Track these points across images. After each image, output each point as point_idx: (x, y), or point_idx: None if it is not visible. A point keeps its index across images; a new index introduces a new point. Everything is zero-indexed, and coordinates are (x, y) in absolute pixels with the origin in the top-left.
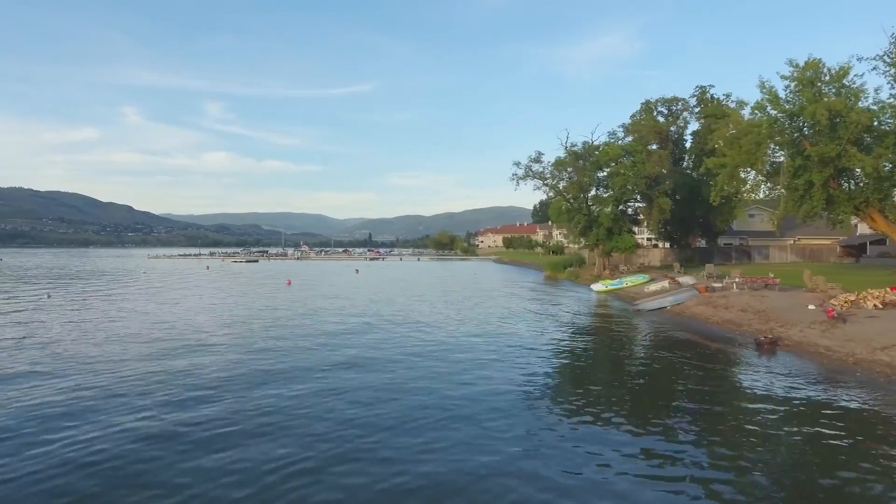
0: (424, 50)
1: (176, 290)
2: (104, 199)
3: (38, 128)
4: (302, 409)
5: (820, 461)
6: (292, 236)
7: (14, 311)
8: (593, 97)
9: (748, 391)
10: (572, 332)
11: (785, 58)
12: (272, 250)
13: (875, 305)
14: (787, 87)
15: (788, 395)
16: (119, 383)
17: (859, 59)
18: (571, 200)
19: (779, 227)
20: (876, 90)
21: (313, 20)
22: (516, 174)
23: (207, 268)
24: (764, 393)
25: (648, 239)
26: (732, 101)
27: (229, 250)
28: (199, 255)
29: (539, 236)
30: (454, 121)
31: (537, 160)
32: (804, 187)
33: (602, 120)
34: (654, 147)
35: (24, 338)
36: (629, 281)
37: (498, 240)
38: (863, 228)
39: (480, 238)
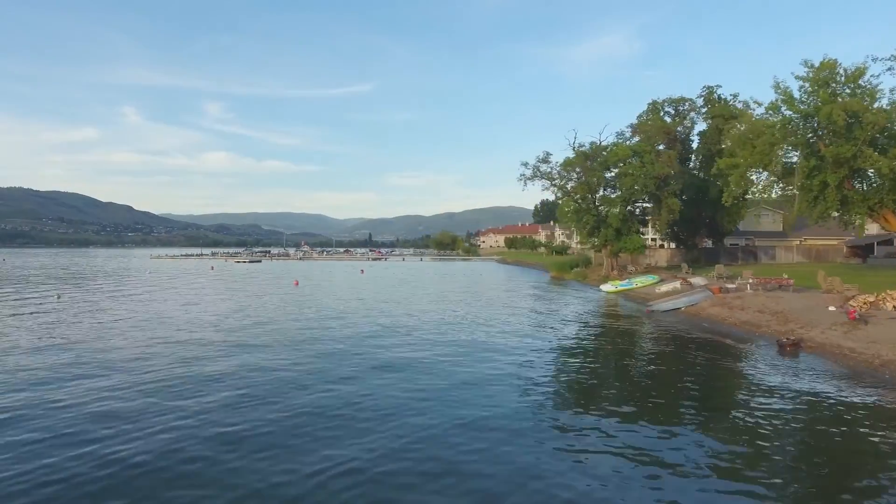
0: (424, 50)
1: (188, 290)
2: (104, 199)
3: (38, 128)
4: (348, 409)
5: (856, 462)
6: (292, 236)
7: (31, 313)
8: (593, 97)
9: (775, 392)
10: (588, 333)
11: (785, 57)
12: (274, 250)
13: (895, 306)
14: (802, 87)
15: (817, 397)
16: (161, 384)
17: (874, 60)
18: (580, 201)
19: (791, 227)
20: (892, 90)
21: (313, 20)
22: (524, 174)
23: (212, 268)
24: (792, 394)
25: (653, 239)
26: (739, 102)
27: (231, 250)
28: (201, 255)
29: (541, 236)
30: (454, 121)
31: (545, 160)
32: (818, 188)
33: (601, 119)
34: (662, 147)
35: (41, 339)
36: (639, 281)
37: (500, 240)
38: (870, 229)
39: (482, 238)
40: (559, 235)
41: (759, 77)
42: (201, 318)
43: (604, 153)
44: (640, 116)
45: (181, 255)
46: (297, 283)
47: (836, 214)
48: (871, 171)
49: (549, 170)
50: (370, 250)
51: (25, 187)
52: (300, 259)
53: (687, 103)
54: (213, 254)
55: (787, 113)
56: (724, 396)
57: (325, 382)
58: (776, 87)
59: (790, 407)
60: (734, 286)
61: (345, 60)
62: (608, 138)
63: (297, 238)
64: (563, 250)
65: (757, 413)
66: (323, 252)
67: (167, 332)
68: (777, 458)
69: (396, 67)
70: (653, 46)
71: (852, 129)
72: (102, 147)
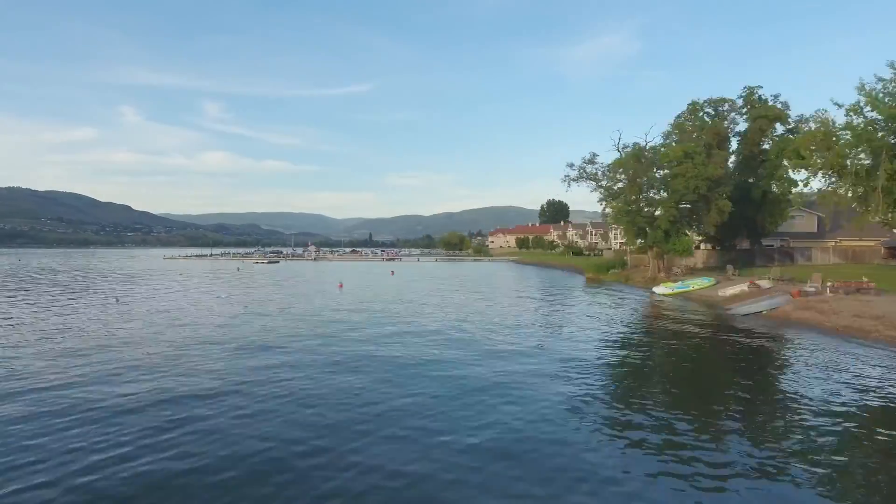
0: (423, 50)
1: (241, 291)
2: (102, 198)
3: (36, 127)
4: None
5: None
6: (291, 236)
7: (99, 319)
8: (592, 97)
9: None
10: (677, 339)
11: (785, 57)
12: (286, 250)
13: None
14: (886, 88)
15: None
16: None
17: None
18: (630, 201)
19: (862, 228)
20: None
21: (312, 20)
22: (568, 175)
23: (238, 269)
24: None
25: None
26: (780, 102)
27: (242, 251)
28: (212, 255)
29: (553, 237)
30: (453, 121)
31: (591, 161)
32: None
33: (601, 119)
34: (710, 148)
35: (127, 344)
36: (695, 284)
37: (510, 240)
38: None
39: (491, 238)
40: (571, 235)
41: (758, 77)
42: (276, 320)
43: (648, 154)
44: (678, 117)
45: (194, 256)
46: (342, 286)
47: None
48: None
49: (595, 171)
50: (382, 251)
51: (24, 187)
52: (314, 260)
53: (727, 104)
54: (223, 254)
55: (871, 115)
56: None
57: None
58: (860, 88)
59: None
60: (813, 290)
61: (344, 60)
62: (655, 139)
63: (297, 238)
64: (579, 251)
65: None
66: (335, 252)
67: (262, 337)
68: None
69: (395, 67)
70: (652, 47)
71: None
72: (101, 147)
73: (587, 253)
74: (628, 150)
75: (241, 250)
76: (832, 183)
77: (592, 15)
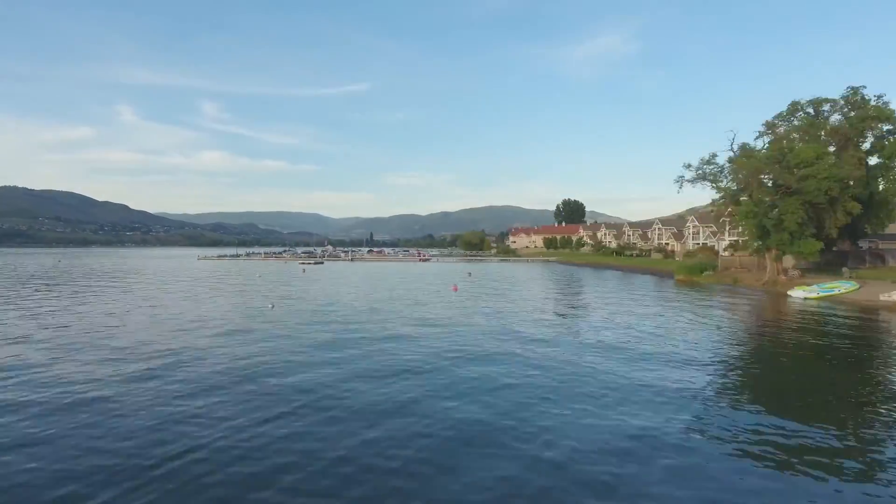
0: (421, 49)
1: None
2: (99, 198)
3: (32, 126)
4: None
5: None
6: (289, 235)
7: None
8: (591, 97)
9: None
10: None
11: (785, 57)
12: (318, 250)
13: None
14: None
15: None
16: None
17: None
18: (758, 202)
19: None
20: None
21: (309, 19)
22: (682, 177)
23: (304, 271)
24: None
25: None
26: (882, 102)
27: (272, 250)
28: (241, 255)
29: (582, 236)
30: (450, 120)
31: (710, 162)
32: None
33: (600, 119)
34: (832, 149)
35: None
36: (837, 287)
37: (536, 240)
38: None
39: (512, 238)
40: (603, 236)
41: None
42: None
43: (762, 154)
44: (776, 116)
45: (228, 257)
46: (456, 289)
47: None
48: None
49: (713, 171)
50: (417, 251)
51: (20, 186)
52: (350, 261)
53: (829, 104)
54: (251, 254)
55: None
56: None
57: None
58: None
59: None
60: None
61: (342, 60)
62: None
63: (295, 237)
64: (621, 251)
65: None
66: (370, 252)
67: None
68: None
69: (393, 67)
70: (651, 47)
71: None
72: (97, 146)
73: (629, 253)
74: (729, 152)
75: (273, 249)
76: None
77: (590, 15)
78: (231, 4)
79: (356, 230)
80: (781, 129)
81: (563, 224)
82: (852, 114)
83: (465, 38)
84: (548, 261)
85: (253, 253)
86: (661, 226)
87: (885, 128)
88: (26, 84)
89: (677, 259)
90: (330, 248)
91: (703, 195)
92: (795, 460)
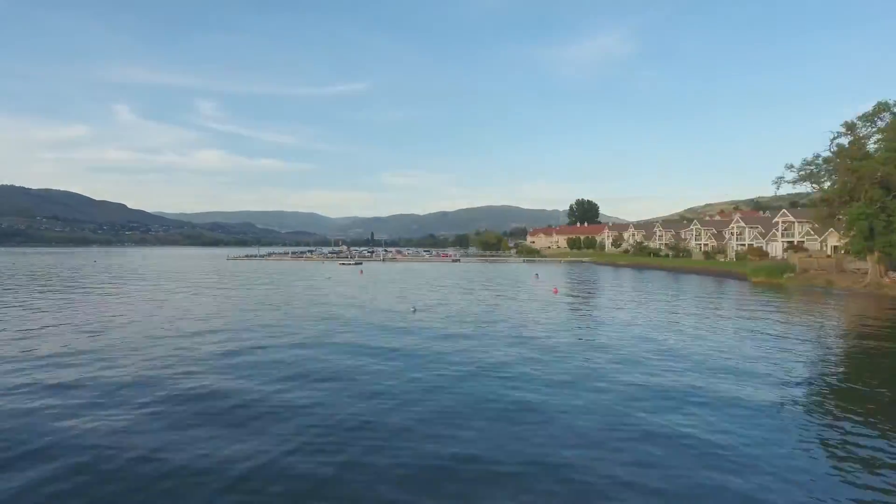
0: (419, 49)
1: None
2: (97, 197)
3: (28, 125)
4: None
5: None
6: (287, 235)
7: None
8: (591, 97)
9: None
10: None
11: (786, 57)
12: (325, 250)
13: None
14: None
15: None
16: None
17: None
18: (870, 203)
19: None
20: None
21: (307, 18)
22: (781, 177)
23: (361, 272)
24: None
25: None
26: None
27: (298, 250)
28: (270, 255)
29: (607, 237)
30: (448, 119)
31: (812, 163)
32: None
33: (599, 119)
34: None
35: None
36: None
37: (559, 240)
38: None
39: (531, 238)
40: (630, 236)
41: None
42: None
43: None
44: (861, 117)
45: (257, 257)
46: (557, 291)
47: None
48: None
49: (816, 171)
50: (443, 252)
51: (17, 185)
52: (382, 261)
53: None
54: (276, 254)
55: None
56: None
57: None
58: None
59: None
60: None
61: (340, 59)
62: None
63: (293, 237)
64: (656, 252)
65: None
66: (406, 252)
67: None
68: None
69: (391, 66)
70: (650, 47)
71: None
72: (94, 145)
73: (664, 254)
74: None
75: (298, 249)
76: None
77: (588, 15)
78: (229, 3)
79: (354, 230)
80: (862, 131)
81: (579, 224)
82: None
83: (463, 37)
84: (581, 261)
85: (274, 253)
86: (699, 226)
87: None
88: (23, 82)
89: (720, 259)
90: (344, 247)
91: (704, 195)
92: None
